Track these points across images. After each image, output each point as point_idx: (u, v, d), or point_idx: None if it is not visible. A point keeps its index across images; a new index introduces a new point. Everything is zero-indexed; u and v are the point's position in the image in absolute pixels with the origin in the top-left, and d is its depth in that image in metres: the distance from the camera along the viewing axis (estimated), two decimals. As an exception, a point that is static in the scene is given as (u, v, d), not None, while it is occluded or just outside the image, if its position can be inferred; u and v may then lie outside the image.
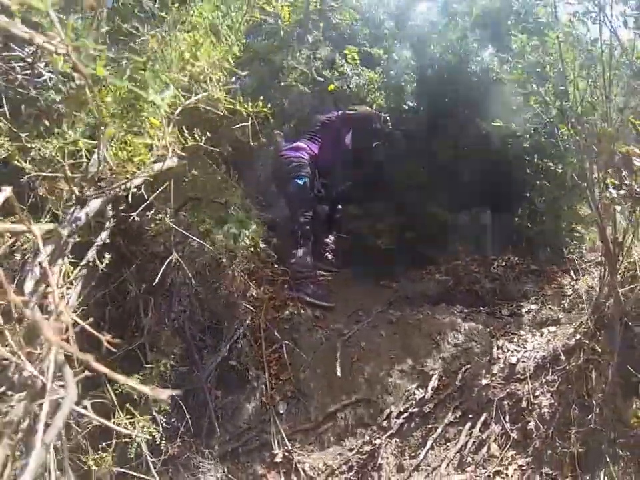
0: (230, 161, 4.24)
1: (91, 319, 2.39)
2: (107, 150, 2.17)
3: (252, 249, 4.13)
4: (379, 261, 5.18)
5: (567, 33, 3.32)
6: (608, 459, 2.91)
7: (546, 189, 4.57)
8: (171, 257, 3.09)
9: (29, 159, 2.07)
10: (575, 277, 4.10)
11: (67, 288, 2.01)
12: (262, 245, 4.20)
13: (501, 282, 4.68)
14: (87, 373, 1.36)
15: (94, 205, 2.05)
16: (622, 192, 2.94)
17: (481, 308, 4.54)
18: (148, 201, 2.45)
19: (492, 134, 4.51)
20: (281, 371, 4.15)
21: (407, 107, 5.54)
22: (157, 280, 2.98)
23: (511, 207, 4.96)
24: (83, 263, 2.15)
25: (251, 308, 4.33)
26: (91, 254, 2.24)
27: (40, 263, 1.73)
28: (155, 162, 2.31)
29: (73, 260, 2.03)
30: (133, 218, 2.54)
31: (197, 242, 3.90)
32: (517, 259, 4.83)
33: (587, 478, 2.96)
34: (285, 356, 4.22)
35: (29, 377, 1.42)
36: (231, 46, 2.64)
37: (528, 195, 4.82)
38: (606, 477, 2.88)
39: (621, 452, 2.94)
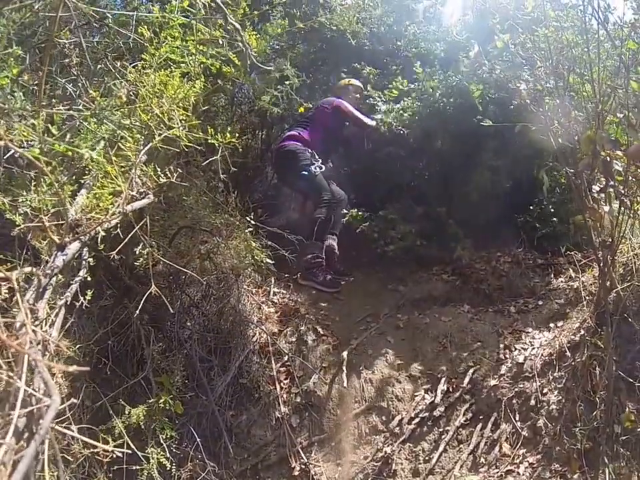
0: (230, 180, 4.32)
1: (77, 345, 2.56)
2: (84, 197, 2.37)
3: (255, 266, 4.26)
4: (386, 264, 5.28)
5: (556, 27, 3.36)
6: (606, 459, 2.99)
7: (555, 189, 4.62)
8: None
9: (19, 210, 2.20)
10: (580, 270, 4.11)
11: (51, 323, 2.14)
12: (267, 261, 4.32)
13: (507, 278, 4.74)
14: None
15: (72, 248, 2.25)
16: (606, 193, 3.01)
17: (489, 307, 4.59)
18: (126, 239, 2.54)
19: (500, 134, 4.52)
20: (291, 385, 4.24)
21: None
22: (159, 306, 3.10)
23: (519, 206, 5.00)
24: (62, 301, 2.28)
25: (257, 324, 4.46)
26: (70, 292, 2.36)
27: (27, 301, 1.94)
28: (129, 202, 2.50)
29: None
30: (122, 254, 2.70)
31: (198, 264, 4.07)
32: (522, 253, 4.88)
33: (593, 474, 3.03)
34: (294, 369, 4.32)
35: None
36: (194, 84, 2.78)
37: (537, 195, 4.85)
38: (610, 474, 2.95)
39: (622, 449, 3.02)
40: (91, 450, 2.39)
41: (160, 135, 2.64)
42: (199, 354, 4.04)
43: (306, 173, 5.48)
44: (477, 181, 4.85)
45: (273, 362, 4.33)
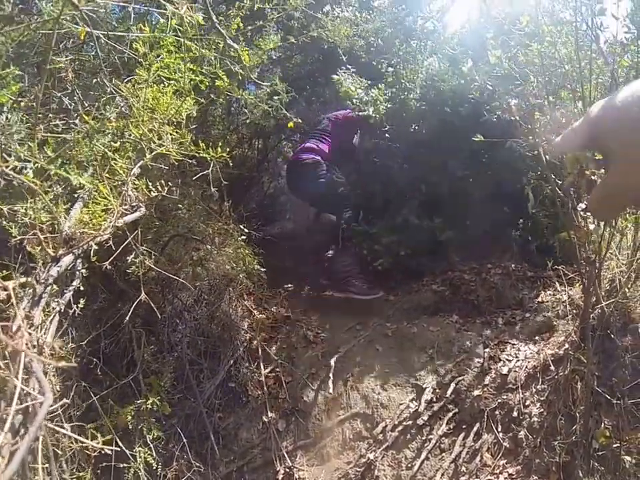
0: (225, 189, 4.41)
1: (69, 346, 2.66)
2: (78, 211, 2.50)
3: (247, 273, 4.35)
4: (378, 273, 5.30)
5: (550, 42, 3.43)
6: (581, 473, 3.08)
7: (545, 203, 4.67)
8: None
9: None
10: (567, 284, 4.19)
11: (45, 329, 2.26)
12: (258, 268, 4.41)
13: (497, 290, 4.78)
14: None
15: (66, 261, 2.36)
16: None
17: (477, 318, 4.64)
18: (119, 250, 2.64)
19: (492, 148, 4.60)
20: (279, 390, 4.32)
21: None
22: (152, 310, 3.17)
23: (511, 219, 5.07)
24: (56, 309, 2.37)
25: (248, 330, 4.55)
26: (64, 301, 2.45)
27: (23, 308, 2.05)
28: (122, 215, 2.60)
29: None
30: (116, 261, 2.81)
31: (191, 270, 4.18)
32: (513, 265, 4.92)
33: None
34: (283, 375, 4.39)
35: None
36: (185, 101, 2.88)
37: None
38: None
39: (597, 464, 3.10)
40: (79, 445, 2.47)
41: (151, 151, 2.75)
42: (189, 357, 4.12)
43: (324, 184, 5.44)
44: (469, 194, 4.91)
45: (262, 367, 4.41)
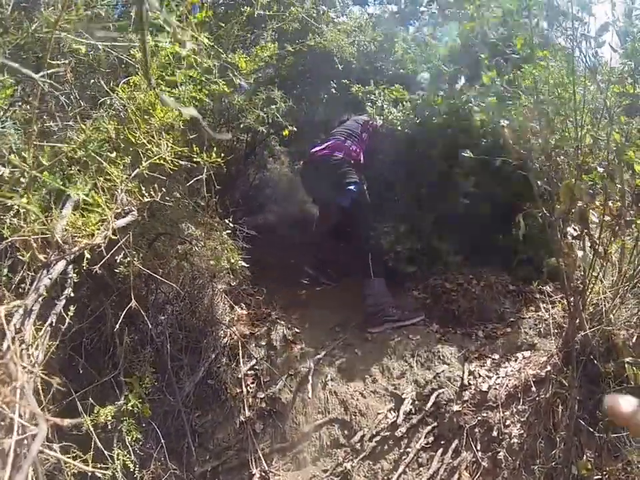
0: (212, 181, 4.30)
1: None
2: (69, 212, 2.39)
3: (230, 268, 4.23)
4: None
5: (543, 67, 3.35)
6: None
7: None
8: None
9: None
10: (550, 303, 4.13)
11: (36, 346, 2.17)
12: (241, 264, 4.28)
13: (478, 302, 4.68)
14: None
15: (58, 267, 2.31)
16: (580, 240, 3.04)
17: (457, 329, 4.56)
18: (112, 251, 2.61)
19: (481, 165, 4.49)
20: (257, 389, 4.22)
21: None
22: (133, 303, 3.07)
23: (497, 232, 4.95)
24: (48, 322, 2.32)
25: (229, 325, 4.44)
26: (57, 309, 2.42)
27: (14, 325, 2.02)
28: (115, 220, 2.57)
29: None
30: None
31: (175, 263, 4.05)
32: (495, 278, 4.81)
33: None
34: (262, 374, 4.30)
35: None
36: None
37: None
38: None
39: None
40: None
41: (146, 157, 2.72)
42: (170, 352, 3.98)
43: (353, 188, 5.00)
44: (457, 205, 4.81)
45: (241, 365, 4.30)
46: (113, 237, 2.60)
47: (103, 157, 2.67)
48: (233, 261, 4.18)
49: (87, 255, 2.44)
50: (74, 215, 2.51)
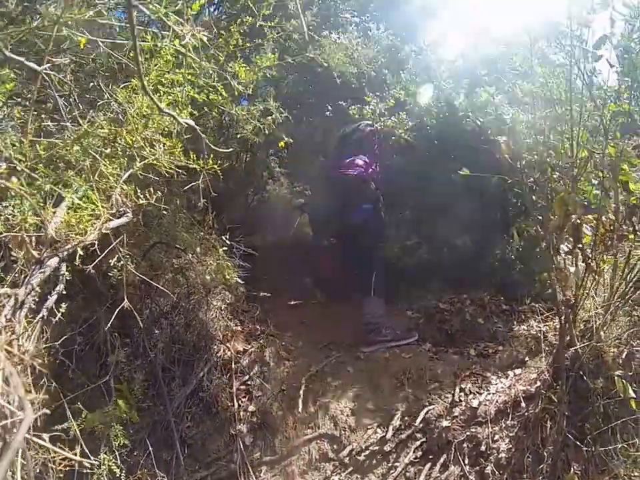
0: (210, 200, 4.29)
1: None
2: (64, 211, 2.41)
3: (225, 284, 4.19)
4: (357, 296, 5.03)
5: (542, 84, 3.32)
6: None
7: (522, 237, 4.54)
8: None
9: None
10: (542, 321, 4.08)
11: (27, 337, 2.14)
12: (237, 280, 4.24)
13: (471, 321, 4.63)
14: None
15: (51, 264, 2.27)
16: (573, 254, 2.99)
17: (450, 348, 4.49)
18: (105, 253, 2.59)
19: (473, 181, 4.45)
20: (249, 404, 4.14)
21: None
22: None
23: (490, 251, 4.90)
24: (40, 316, 2.26)
25: (223, 341, 4.37)
26: (49, 304, 2.34)
27: (5, 316, 1.99)
28: (109, 220, 2.55)
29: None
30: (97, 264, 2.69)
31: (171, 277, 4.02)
32: (488, 297, 4.77)
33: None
34: (254, 389, 4.22)
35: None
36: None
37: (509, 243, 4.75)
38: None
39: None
40: (47, 456, 2.33)
41: (142, 159, 2.72)
42: (163, 363, 3.95)
43: (367, 207, 4.90)
44: (451, 224, 4.79)
45: (234, 379, 4.22)
46: (107, 237, 2.62)
47: (97, 153, 2.65)
48: (228, 277, 4.14)
49: (80, 252, 2.40)
50: (68, 213, 2.47)
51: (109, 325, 3.43)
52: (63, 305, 2.43)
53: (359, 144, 5.23)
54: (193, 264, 4.16)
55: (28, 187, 2.25)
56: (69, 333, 3.30)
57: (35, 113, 2.77)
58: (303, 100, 6.34)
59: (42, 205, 2.30)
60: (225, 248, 4.16)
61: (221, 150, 3.05)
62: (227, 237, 4.20)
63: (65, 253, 2.37)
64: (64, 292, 2.42)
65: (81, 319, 3.47)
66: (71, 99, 3.01)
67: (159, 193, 2.85)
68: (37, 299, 2.19)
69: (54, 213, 2.38)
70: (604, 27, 2.79)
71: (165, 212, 3.79)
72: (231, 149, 3.73)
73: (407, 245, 5.03)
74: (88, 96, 3.14)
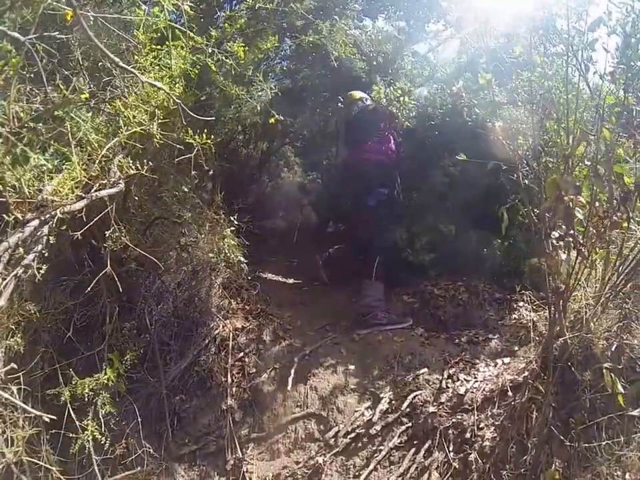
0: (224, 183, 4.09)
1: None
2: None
3: (230, 262, 4.00)
4: (356, 278, 4.78)
5: (540, 73, 3.07)
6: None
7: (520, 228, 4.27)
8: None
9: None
10: (533, 309, 3.80)
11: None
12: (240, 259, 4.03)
13: (464, 308, 4.36)
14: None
15: (32, 225, 2.22)
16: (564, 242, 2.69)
17: (441, 334, 4.19)
18: (92, 222, 2.48)
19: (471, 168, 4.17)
20: (242, 380, 3.91)
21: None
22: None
23: (486, 239, 4.60)
24: (17, 270, 2.17)
25: (222, 318, 4.17)
26: (25, 262, 2.20)
27: None
28: (100, 189, 2.47)
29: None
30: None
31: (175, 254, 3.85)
32: (482, 285, 4.47)
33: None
34: (248, 365, 3.99)
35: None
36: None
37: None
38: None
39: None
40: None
41: (130, 130, 2.57)
42: (161, 337, 3.79)
43: (383, 191, 4.66)
44: (447, 212, 4.56)
45: (230, 355, 3.99)
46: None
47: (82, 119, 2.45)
48: (232, 256, 3.92)
49: (60, 216, 2.28)
50: (51, 178, 2.36)
51: (109, 297, 3.42)
52: (44, 267, 2.28)
53: (373, 126, 4.88)
54: (198, 242, 3.99)
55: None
56: (71, 302, 3.28)
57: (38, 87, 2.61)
58: (316, 92, 6.10)
59: (23, 169, 2.20)
60: (232, 228, 3.98)
61: (204, 118, 2.81)
62: (236, 217, 4.04)
63: (48, 215, 2.27)
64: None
65: (84, 290, 3.25)
66: (81, 78, 2.79)
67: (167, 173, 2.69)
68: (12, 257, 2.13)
69: (35, 177, 2.27)
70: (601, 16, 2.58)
71: (171, 190, 3.66)
72: (213, 118, 3.46)
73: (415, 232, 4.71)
74: (97, 74, 2.90)
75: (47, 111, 2.40)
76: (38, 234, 2.26)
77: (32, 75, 2.53)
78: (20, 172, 2.13)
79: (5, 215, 2.16)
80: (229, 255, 3.94)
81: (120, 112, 2.60)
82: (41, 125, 2.44)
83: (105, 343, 3.33)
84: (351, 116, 5.11)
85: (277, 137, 6.27)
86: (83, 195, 2.37)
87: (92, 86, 2.78)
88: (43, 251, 2.26)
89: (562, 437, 2.70)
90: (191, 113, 2.62)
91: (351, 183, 4.85)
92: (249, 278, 4.67)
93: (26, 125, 2.34)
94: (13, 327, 2.60)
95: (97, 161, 2.45)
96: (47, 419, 2.06)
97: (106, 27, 2.58)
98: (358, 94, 5.16)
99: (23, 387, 2.52)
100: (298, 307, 4.91)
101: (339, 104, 5.36)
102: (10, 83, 2.25)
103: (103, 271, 2.69)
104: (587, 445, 2.64)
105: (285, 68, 5.58)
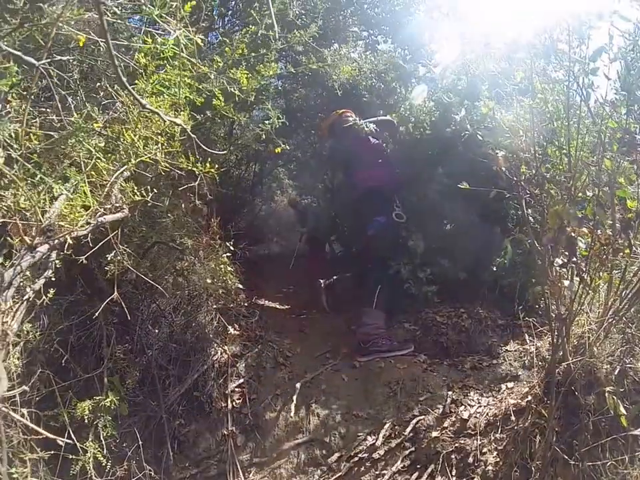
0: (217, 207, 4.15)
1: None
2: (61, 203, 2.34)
3: (226, 288, 4.07)
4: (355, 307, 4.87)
5: (542, 99, 3.18)
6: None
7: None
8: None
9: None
10: (535, 336, 3.88)
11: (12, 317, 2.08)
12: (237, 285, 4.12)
13: (467, 334, 4.43)
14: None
15: (42, 250, 2.21)
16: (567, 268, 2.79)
17: (444, 360, 4.29)
18: (99, 245, 2.49)
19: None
20: (243, 406, 3.97)
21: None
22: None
23: (486, 263, 4.70)
24: (26, 296, 2.17)
25: (220, 344, 4.23)
26: (34, 288, 2.23)
27: None
28: (104, 214, 2.50)
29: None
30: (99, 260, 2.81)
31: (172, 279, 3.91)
32: (485, 312, 4.54)
33: None
34: (249, 392, 4.06)
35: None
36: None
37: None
38: None
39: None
40: (32, 437, 2.30)
41: (137, 158, 2.61)
42: (159, 361, 3.81)
43: (383, 220, 4.76)
44: (449, 239, 4.68)
45: (229, 381, 4.06)
46: (106, 232, 2.59)
47: (93, 147, 2.53)
48: (230, 282, 4.00)
49: (69, 241, 2.29)
50: (63, 204, 2.38)
51: (105, 319, 3.49)
52: (52, 291, 2.32)
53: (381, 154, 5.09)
54: (195, 267, 4.03)
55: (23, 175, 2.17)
56: (66, 323, 3.29)
57: (37, 107, 2.74)
58: (312, 113, 6.22)
59: (37, 193, 2.21)
60: (228, 254, 4.07)
61: (216, 152, 2.91)
62: (231, 244, 4.11)
63: (56, 241, 2.29)
64: (64, 285, 2.63)
65: (79, 311, 3.38)
66: (78, 98, 2.90)
67: (161, 193, 2.78)
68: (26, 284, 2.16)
69: (47, 201, 2.28)
70: (603, 43, 2.68)
71: (169, 214, 3.72)
72: (225, 151, 3.56)
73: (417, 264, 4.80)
74: (95, 95, 3.01)
75: (62, 138, 2.47)
76: (45, 259, 2.31)
77: (34, 97, 2.60)
78: (35, 198, 2.18)
79: (9, 239, 2.20)
80: (226, 280, 4.00)
81: (124, 138, 2.67)
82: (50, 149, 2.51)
83: (105, 366, 3.39)
84: (338, 140, 5.28)
85: (269, 158, 6.30)
86: (90, 221, 2.42)
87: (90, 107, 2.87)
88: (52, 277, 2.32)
89: (566, 457, 2.76)
90: (203, 146, 2.71)
91: (347, 211, 5.06)
92: (246, 305, 4.77)
93: (38, 151, 2.40)
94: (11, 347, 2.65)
95: (106, 188, 2.52)
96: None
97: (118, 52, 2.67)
98: (340, 111, 5.29)
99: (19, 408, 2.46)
100: (297, 334, 5.00)
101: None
102: (21, 105, 2.34)
103: (110, 297, 2.77)
104: (591, 463, 2.71)
105: (279, 88, 5.63)
